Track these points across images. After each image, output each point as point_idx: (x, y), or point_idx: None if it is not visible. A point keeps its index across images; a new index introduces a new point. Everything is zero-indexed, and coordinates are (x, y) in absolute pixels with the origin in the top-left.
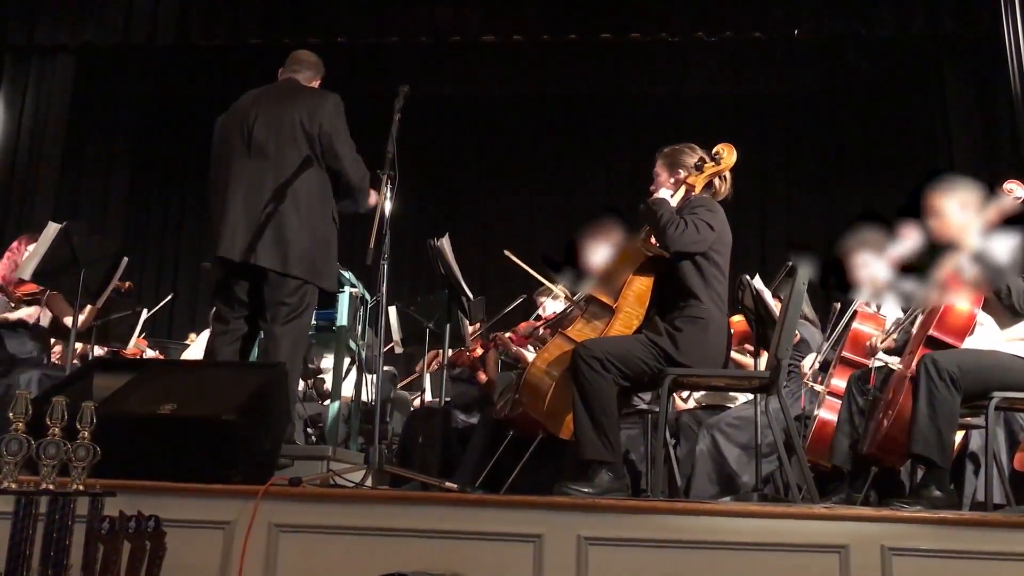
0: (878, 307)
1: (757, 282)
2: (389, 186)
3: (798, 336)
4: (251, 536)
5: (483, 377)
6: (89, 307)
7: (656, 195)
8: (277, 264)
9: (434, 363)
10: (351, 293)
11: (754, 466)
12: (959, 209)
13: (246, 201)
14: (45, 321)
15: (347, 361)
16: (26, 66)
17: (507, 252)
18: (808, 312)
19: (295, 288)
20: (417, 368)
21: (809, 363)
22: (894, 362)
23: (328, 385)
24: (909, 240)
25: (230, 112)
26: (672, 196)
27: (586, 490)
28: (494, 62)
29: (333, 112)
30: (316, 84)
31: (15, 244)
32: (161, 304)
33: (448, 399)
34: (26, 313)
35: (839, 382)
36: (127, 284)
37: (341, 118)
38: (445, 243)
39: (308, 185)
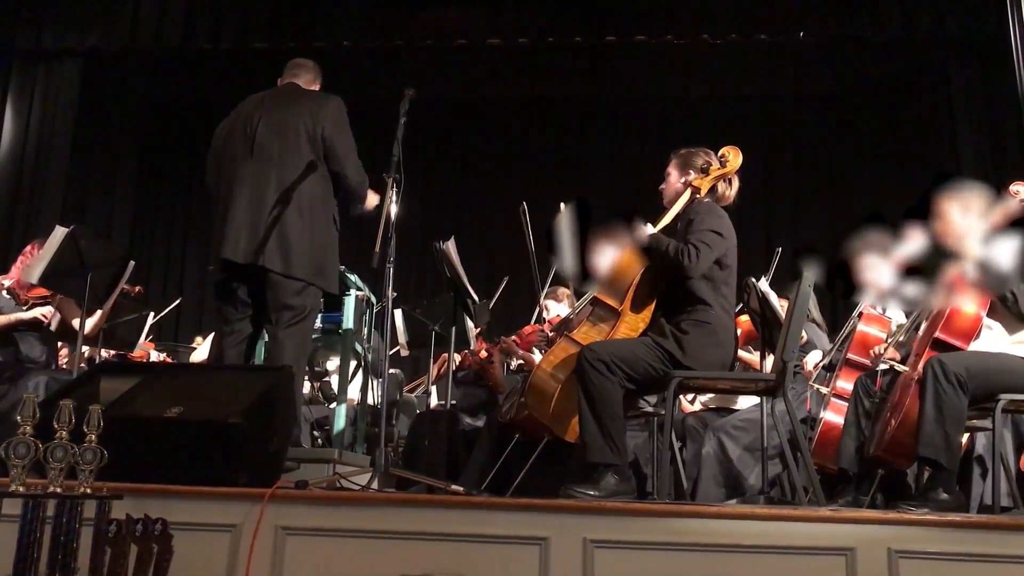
0: (883, 309)
1: (763, 284)
2: (394, 189)
3: (805, 337)
4: (257, 539)
5: (492, 377)
6: (99, 312)
7: (641, 232)
8: (280, 266)
9: (443, 367)
10: (357, 296)
11: (760, 469)
12: (960, 214)
13: (250, 204)
14: (54, 324)
15: (353, 364)
16: (33, 71)
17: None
18: (815, 315)
19: (298, 290)
20: (428, 375)
21: (813, 361)
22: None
23: (334, 388)
24: (914, 242)
25: (231, 118)
26: (670, 208)
27: (592, 493)
28: (500, 65)
29: (336, 115)
30: (316, 88)
31: (28, 248)
32: (168, 309)
33: (454, 402)
34: (41, 312)
35: (845, 384)
36: (137, 288)
37: (344, 121)
38: (450, 246)
39: (311, 188)
